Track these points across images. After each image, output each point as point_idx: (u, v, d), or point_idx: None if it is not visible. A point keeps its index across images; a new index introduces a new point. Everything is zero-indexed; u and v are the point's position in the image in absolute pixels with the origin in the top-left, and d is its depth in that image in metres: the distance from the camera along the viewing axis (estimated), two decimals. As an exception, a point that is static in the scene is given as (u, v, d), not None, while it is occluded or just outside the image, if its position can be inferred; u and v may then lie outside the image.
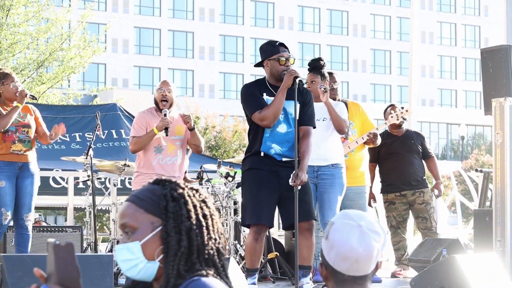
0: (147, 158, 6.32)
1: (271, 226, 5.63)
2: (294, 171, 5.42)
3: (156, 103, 6.42)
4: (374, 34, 56.64)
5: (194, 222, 2.05)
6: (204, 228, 2.06)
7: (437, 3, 57.57)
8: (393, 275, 7.64)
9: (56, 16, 18.23)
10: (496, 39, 53.15)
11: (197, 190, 2.14)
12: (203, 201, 2.11)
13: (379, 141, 7.06)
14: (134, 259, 2.06)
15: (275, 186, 5.41)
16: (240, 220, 8.16)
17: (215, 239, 2.07)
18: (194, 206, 2.08)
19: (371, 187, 7.59)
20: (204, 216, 2.08)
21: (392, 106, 7.72)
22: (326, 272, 2.23)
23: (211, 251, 2.05)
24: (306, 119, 5.59)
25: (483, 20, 58.76)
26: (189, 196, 2.09)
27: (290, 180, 5.41)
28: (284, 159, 5.43)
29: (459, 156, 50.95)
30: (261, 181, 5.41)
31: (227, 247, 7.47)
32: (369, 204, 7.52)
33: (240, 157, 11.71)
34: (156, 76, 51.20)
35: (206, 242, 2.05)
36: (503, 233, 6.82)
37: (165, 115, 6.19)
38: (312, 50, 53.97)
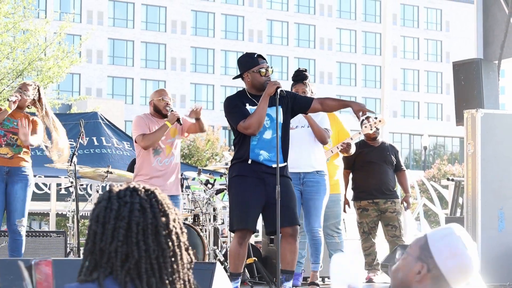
0: (147, 161, 6.40)
1: (255, 231, 5.67)
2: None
3: (156, 110, 6.46)
4: (340, 47, 57.12)
5: (96, 225, 2.03)
6: (109, 230, 2.02)
7: (400, 18, 58.24)
8: (370, 280, 7.72)
9: (35, 27, 18.25)
10: (457, 53, 53.92)
11: (129, 190, 2.06)
12: (131, 203, 2.03)
13: (353, 150, 7.10)
14: None
15: (261, 192, 5.46)
16: (219, 226, 8.34)
17: (118, 242, 2.01)
18: (105, 208, 2.04)
19: (345, 194, 7.68)
20: (114, 218, 2.03)
21: (367, 118, 7.87)
22: (427, 274, 2.20)
23: (113, 254, 2.00)
24: (306, 101, 5.66)
25: (445, 35, 59.58)
26: (104, 198, 2.05)
27: None
28: (274, 165, 5.44)
29: (421, 166, 51.56)
30: (248, 187, 5.45)
31: (207, 252, 7.58)
32: (344, 210, 7.58)
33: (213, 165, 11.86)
34: (129, 86, 51.09)
35: (106, 246, 2.01)
36: (474, 240, 7.06)
37: (171, 110, 6.34)
38: (280, 63, 54.23)
